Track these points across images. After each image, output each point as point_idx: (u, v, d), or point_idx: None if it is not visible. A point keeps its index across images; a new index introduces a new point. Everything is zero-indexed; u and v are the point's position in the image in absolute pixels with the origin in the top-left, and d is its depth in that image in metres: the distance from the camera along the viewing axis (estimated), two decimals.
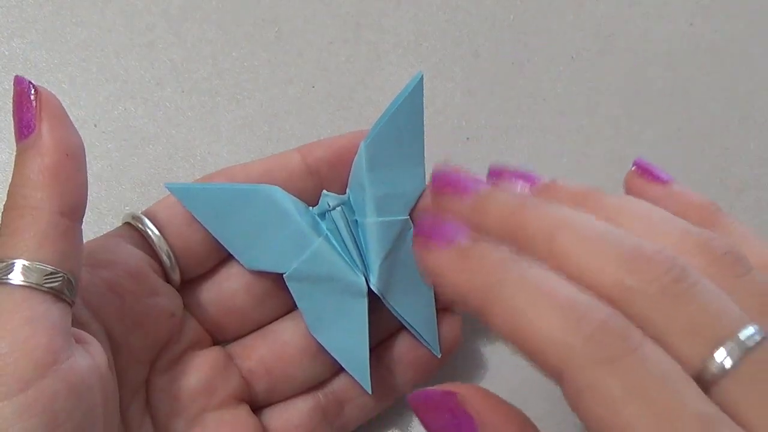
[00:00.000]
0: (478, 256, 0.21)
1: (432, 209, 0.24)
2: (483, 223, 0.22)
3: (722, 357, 0.19)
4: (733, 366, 0.19)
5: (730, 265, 0.21)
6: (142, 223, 0.28)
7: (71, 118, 0.25)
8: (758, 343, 0.19)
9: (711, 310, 0.19)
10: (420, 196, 0.30)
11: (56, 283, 0.23)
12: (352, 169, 0.30)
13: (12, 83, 0.25)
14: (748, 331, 0.19)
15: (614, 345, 0.19)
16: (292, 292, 0.29)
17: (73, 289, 0.24)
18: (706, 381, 0.19)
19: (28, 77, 0.25)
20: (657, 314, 0.19)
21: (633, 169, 0.27)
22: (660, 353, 0.19)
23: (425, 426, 0.20)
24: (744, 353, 0.19)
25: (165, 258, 0.28)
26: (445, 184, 0.24)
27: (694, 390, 0.19)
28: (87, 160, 0.25)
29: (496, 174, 0.26)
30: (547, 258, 0.21)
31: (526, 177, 0.26)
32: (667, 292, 0.19)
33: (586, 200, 0.23)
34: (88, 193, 0.25)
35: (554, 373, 0.19)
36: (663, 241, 0.21)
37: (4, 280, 0.22)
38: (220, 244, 0.29)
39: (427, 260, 0.22)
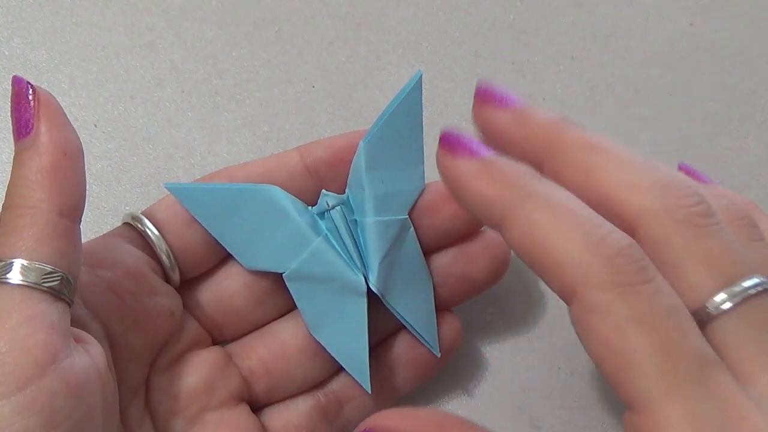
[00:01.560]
0: (504, 169, 0.21)
1: (474, 119, 0.24)
2: (522, 132, 0.23)
3: (724, 298, 0.20)
4: (732, 308, 0.20)
5: (746, 228, 0.22)
6: (142, 223, 0.28)
7: (71, 118, 0.25)
8: (760, 293, 0.20)
9: (727, 250, 0.20)
10: (419, 196, 0.30)
11: (55, 283, 0.23)
12: (351, 168, 0.30)
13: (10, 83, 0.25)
14: (753, 281, 0.20)
15: (631, 272, 0.19)
16: (291, 291, 0.29)
17: (71, 288, 0.24)
18: (703, 317, 0.20)
19: (28, 77, 0.25)
20: (678, 238, 0.20)
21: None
22: (669, 288, 0.20)
23: None
24: (743, 299, 0.20)
25: (164, 258, 0.28)
26: (490, 96, 0.24)
27: (696, 330, 0.19)
28: (87, 160, 0.25)
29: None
30: (577, 171, 0.21)
31: None
32: (692, 221, 0.20)
33: None
34: (88, 193, 0.25)
35: (567, 290, 0.20)
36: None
37: (3, 280, 0.23)
38: (219, 244, 0.29)
39: (451, 168, 0.22)
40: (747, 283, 0.20)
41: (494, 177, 0.21)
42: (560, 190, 0.21)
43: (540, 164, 0.23)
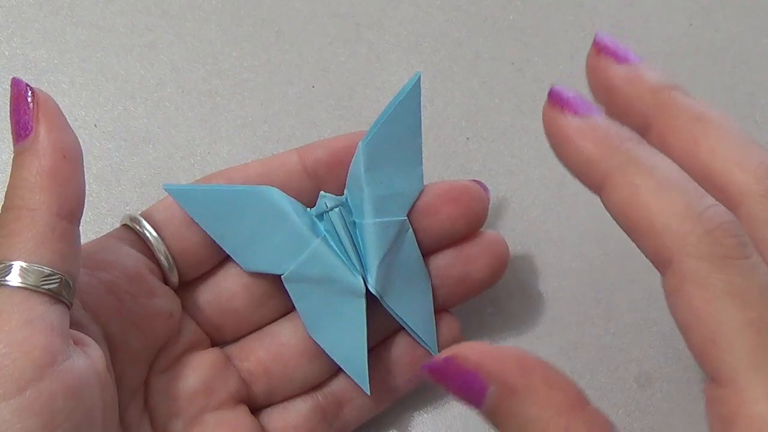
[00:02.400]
0: (610, 131, 0.21)
1: (588, 69, 0.24)
2: (634, 90, 0.23)
3: None
4: None
5: None
6: (140, 225, 0.28)
7: (71, 118, 0.25)
8: None
9: None
10: (418, 197, 0.30)
11: (54, 285, 0.23)
12: (350, 169, 0.30)
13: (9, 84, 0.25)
14: None
15: (731, 245, 0.19)
16: (290, 293, 0.29)
17: (70, 290, 0.24)
18: None
19: (27, 77, 0.25)
20: None
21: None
22: (765, 267, 0.20)
23: (446, 389, 0.20)
24: None
25: (163, 259, 0.28)
26: (608, 48, 0.23)
27: None
28: (87, 160, 0.25)
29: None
30: (684, 140, 0.21)
31: None
32: None
33: None
34: (88, 194, 0.25)
35: (662, 258, 0.20)
36: None
37: (2, 282, 0.23)
38: (218, 245, 0.29)
39: (556, 124, 0.22)
40: None
41: (599, 138, 0.21)
42: (664, 158, 0.21)
43: (646, 126, 0.23)
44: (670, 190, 0.20)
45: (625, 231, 0.21)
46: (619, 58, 0.23)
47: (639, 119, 0.23)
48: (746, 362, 0.19)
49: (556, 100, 0.22)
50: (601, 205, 0.23)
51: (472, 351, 0.20)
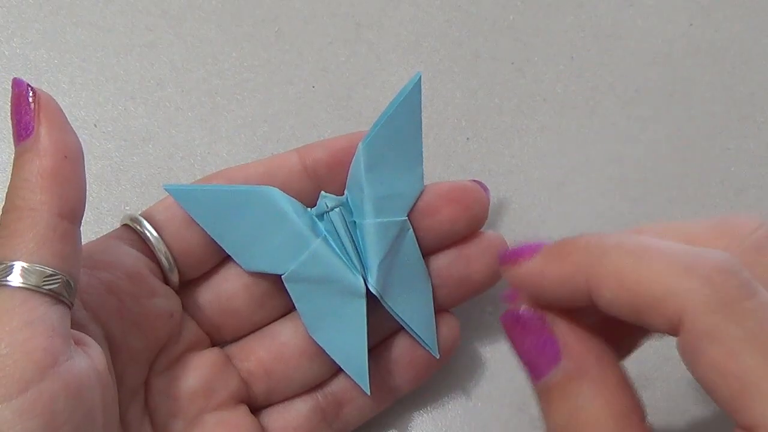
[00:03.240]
0: (570, 246, 0.21)
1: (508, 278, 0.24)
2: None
3: None
4: None
5: None
6: (141, 225, 0.28)
7: (71, 118, 0.25)
8: None
9: None
10: (418, 197, 0.30)
11: (55, 285, 0.23)
12: (351, 169, 0.30)
13: (10, 84, 0.25)
14: None
15: (732, 287, 0.19)
16: (290, 293, 0.29)
17: (71, 291, 0.24)
18: None
19: (28, 77, 0.25)
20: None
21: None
22: None
23: (514, 346, 0.20)
24: None
25: (163, 259, 0.28)
26: (513, 254, 0.23)
27: None
28: (87, 160, 0.25)
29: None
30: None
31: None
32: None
33: None
34: (88, 194, 0.25)
35: (672, 322, 0.19)
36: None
37: (3, 282, 0.23)
38: (218, 245, 0.29)
39: (519, 273, 0.22)
40: None
41: (565, 255, 0.21)
42: (633, 236, 0.21)
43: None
44: (654, 257, 0.20)
45: (630, 319, 0.20)
46: (523, 256, 0.23)
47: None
48: None
49: (505, 259, 0.22)
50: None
51: (560, 322, 0.20)
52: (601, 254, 0.20)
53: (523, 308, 0.20)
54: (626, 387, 0.20)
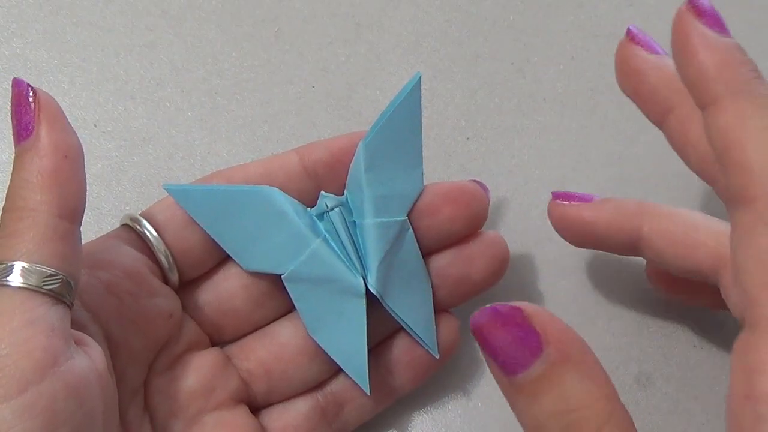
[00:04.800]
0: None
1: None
2: (661, 77, 0.25)
3: None
4: None
5: None
6: (140, 225, 0.28)
7: (71, 118, 0.25)
8: None
9: None
10: (418, 197, 0.30)
11: (55, 285, 0.23)
12: (351, 169, 0.30)
13: (11, 84, 0.25)
14: None
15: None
16: (290, 293, 0.29)
17: (72, 291, 0.24)
18: None
19: (28, 77, 0.25)
20: None
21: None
22: None
23: (485, 344, 0.20)
24: None
25: (163, 259, 0.28)
26: (640, 39, 0.25)
27: None
28: (87, 160, 0.25)
29: None
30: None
31: None
32: None
33: None
34: (88, 194, 0.25)
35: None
36: None
37: (4, 282, 0.23)
38: (218, 245, 0.29)
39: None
40: None
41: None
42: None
43: (669, 109, 0.25)
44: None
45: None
46: (648, 48, 0.25)
47: (662, 103, 0.24)
48: None
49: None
50: None
51: (537, 312, 0.20)
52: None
53: (498, 304, 0.20)
54: (604, 371, 0.20)
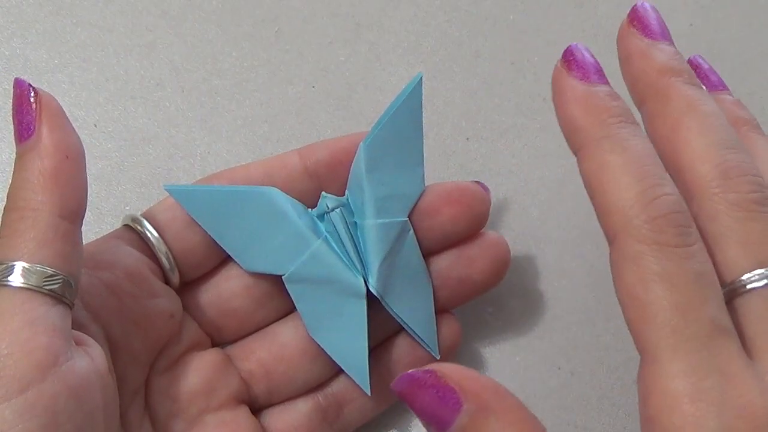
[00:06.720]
0: (599, 103, 0.23)
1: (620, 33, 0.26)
2: (642, 67, 0.24)
3: (753, 277, 0.21)
4: (759, 288, 0.21)
5: None
6: (141, 225, 0.28)
7: (71, 118, 0.25)
8: None
9: (767, 236, 0.21)
10: (419, 198, 0.30)
11: (56, 285, 0.23)
12: (351, 170, 0.30)
13: (12, 84, 0.25)
14: None
15: (670, 234, 0.21)
16: (291, 293, 0.29)
17: (72, 291, 0.24)
18: (731, 292, 0.21)
19: (28, 77, 0.25)
20: (724, 217, 0.22)
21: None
22: (705, 257, 0.21)
23: (411, 406, 0.21)
24: None
25: (164, 260, 0.28)
26: (639, 21, 0.25)
27: (718, 300, 0.21)
28: (87, 160, 0.25)
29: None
30: (666, 124, 0.23)
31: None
32: (741, 205, 0.22)
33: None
34: (88, 194, 0.25)
35: (610, 234, 0.21)
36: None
37: (4, 282, 0.23)
38: (219, 245, 0.29)
39: (560, 83, 0.24)
40: None
41: (588, 108, 0.23)
42: (639, 139, 0.22)
43: (641, 102, 0.24)
44: (630, 172, 0.21)
45: (589, 197, 0.22)
46: (645, 31, 0.25)
47: (638, 94, 0.24)
48: (667, 342, 0.20)
49: (567, 57, 0.24)
50: None
51: (450, 369, 0.21)
52: (605, 136, 0.22)
53: (412, 370, 0.21)
54: (526, 411, 0.21)
